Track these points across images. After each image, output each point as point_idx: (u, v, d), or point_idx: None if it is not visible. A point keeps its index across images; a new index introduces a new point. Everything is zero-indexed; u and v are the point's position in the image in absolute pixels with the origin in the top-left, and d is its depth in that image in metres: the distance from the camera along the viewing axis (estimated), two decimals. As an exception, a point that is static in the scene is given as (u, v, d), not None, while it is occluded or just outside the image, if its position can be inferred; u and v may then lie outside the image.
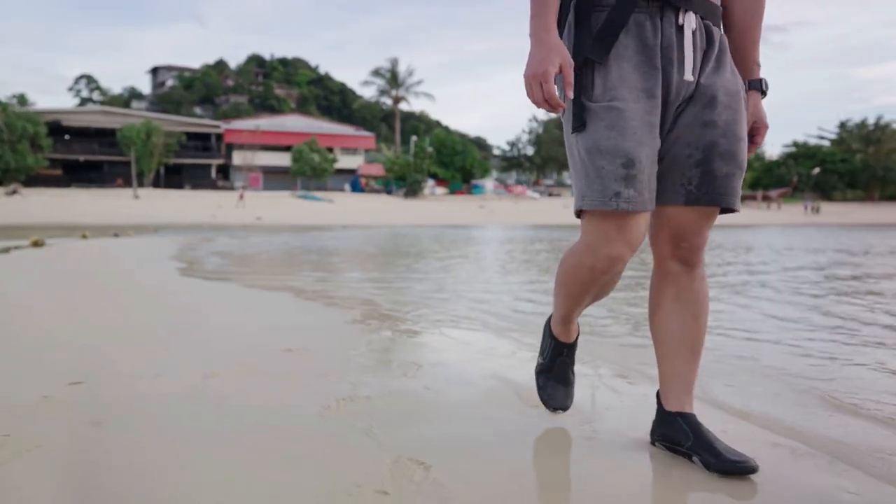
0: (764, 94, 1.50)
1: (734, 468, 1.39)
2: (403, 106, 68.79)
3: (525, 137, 73.09)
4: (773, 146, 73.38)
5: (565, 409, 1.75)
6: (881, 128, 56.92)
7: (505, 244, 12.63)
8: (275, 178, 54.67)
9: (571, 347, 1.76)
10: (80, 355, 2.53)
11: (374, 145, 64.54)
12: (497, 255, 9.56)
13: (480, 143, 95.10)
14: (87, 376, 2.16)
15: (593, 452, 1.59)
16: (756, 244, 12.64)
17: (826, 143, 63.25)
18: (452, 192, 55.15)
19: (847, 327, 3.55)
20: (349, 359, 2.51)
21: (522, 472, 1.48)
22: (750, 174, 66.94)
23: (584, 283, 1.51)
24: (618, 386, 2.21)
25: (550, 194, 55.83)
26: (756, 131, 1.50)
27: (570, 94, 1.32)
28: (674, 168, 1.42)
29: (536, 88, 1.31)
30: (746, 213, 38.28)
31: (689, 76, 1.36)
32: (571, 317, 1.68)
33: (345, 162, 59.42)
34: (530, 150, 72.36)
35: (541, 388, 1.76)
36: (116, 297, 4.32)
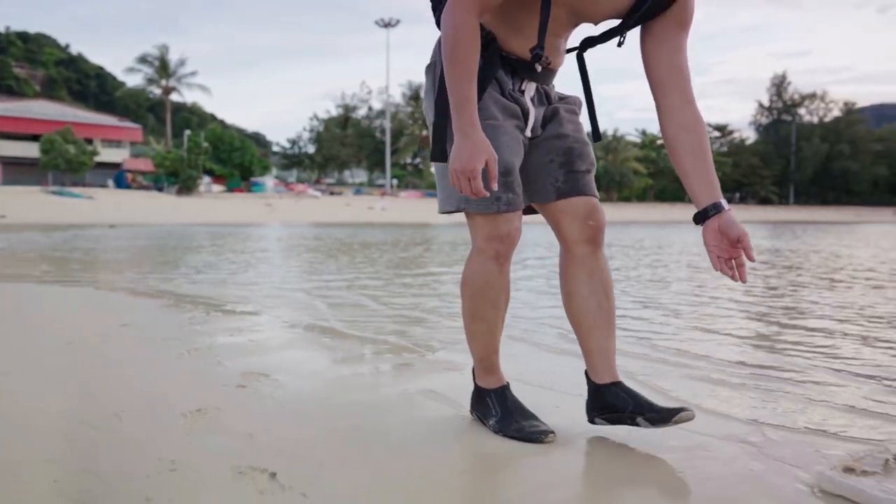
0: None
1: (678, 417, 1.55)
2: (175, 97, 64.41)
3: (306, 135, 72.75)
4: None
5: (550, 432, 1.67)
6: (617, 139, 66.17)
7: (297, 240, 13.13)
8: (19, 172, 48.06)
9: (507, 384, 1.78)
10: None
11: (142, 138, 59.69)
12: (290, 251, 10.11)
13: (259, 140, 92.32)
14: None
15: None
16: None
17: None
18: (230, 189, 53.14)
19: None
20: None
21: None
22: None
23: (490, 285, 1.65)
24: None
25: (332, 193, 56.36)
26: (742, 241, 1.44)
27: (494, 187, 1.47)
28: (542, 173, 1.67)
29: (464, 182, 1.46)
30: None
31: (533, 116, 1.65)
32: (493, 357, 1.76)
33: (107, 155, 54.10)
34: (311, 149, 72.18)
35: (519, 436, 1.66)
36: None
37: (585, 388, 1.75)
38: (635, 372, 2.37)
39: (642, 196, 67.95)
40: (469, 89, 1.47)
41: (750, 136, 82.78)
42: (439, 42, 1.62)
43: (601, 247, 1.70)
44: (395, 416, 1.89)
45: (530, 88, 1.64)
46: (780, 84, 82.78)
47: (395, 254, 9.24)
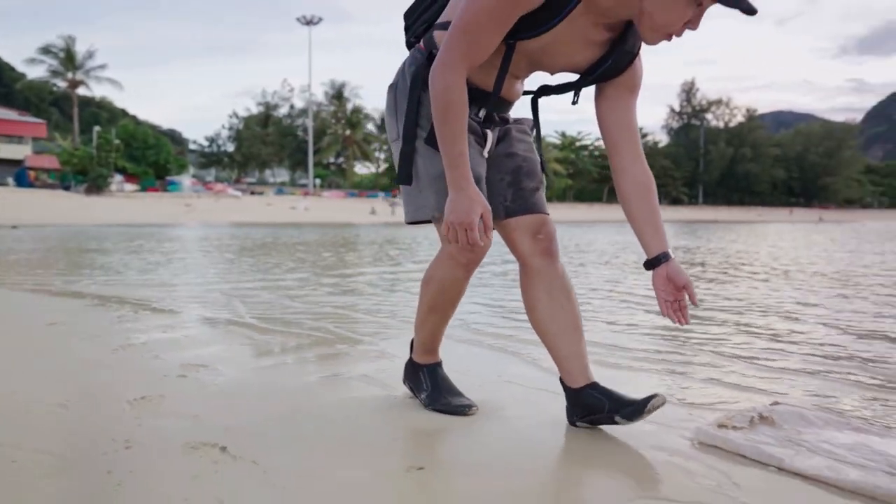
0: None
1: (650, 406, 1.60)
2: (83, 91, 61.24)
3: (225, 133, 70.80)
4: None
5: (474, 406, 1.87)
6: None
7: (219, 241, 12.89)
8: None
9: (440, 362, 1.97)
10: None
11: (46, 134, 56.45)
12: (211, 251, 9.96)
13: (175, 137, 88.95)
14: None
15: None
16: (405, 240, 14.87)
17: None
18: (144, 189, 51.07)
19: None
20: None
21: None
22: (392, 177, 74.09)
23: (457, 282, 1.77)
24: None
25: (253, 192, 55.12)
26: (688, 288, 1.58)
27: (490, 238, 1.61)
28: (493, 192, 1.75)
29: (461, 234, 1.56)
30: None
31: (490, 139, 1.75)
32: (437, 341, 1.94)
33: (7, 151, 50.96)
34: (231, 147, 70.28)
35: (446, 409, 1.85)
36: None
37: (500, 376, 1.96)
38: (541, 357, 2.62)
39: (562, 196, 69.96)
40: (462, 145, 1.54)
41: (662, 139, 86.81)
42: (404, 65, 1.75)
43: (556, 256, 1.75)
44: (328, 397, 2.05)
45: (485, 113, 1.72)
46: (689, 90, 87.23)
47: (317, 254, 9.29)
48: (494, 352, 2.82)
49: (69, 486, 1.35)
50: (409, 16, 1.83)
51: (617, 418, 1.66)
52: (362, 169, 77.35)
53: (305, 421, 1.81)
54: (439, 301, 1.84)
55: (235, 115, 70.93)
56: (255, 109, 71.46)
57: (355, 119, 70.84)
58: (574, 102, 1.66)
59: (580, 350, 1.75)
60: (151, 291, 4.71)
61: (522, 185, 1.76)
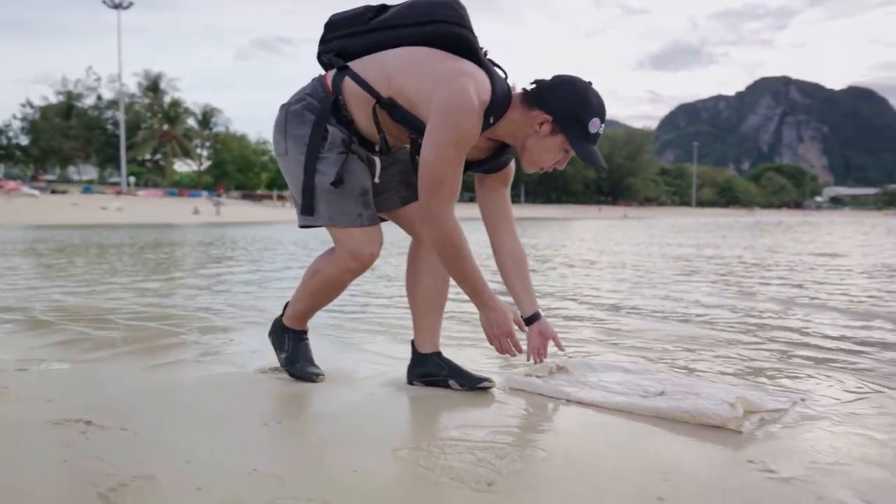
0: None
1: (480, 384, 2.00)
2: None
3: (17, 125, 62.94)
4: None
5: (322, 374, 2.13)
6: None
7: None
8: None
9: (306, 331, 2.20)
10: None
11: None
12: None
13: (-48, 128, 77.28)
14: None
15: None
16: (279, 239, 14.63)
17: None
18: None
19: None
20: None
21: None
22: (266, 175, 72.03)
23: (342, 283, 1.97)
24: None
25: (54, 191, 49.60)
26: (554, 338, 2.05)
27: (523, 327, 1.99)
28: (388, 191, 2.02)
29: (505, 342, 1.92)
30: (265, 211, 41.75)
31: (378, 165, 1.98)
32: (308, 316, 2.15)
33: None
34: (25, 140, 62.68)
35: (298, 373, 2.12)
36: None
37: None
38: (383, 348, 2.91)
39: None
40: (481, 276, 1.86)
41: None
42: (304, 92, 1.89)
43: None
44: (181, 375, 2.20)
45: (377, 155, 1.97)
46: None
47: (136, 256, 8.85)
48: (346, 332, 3.07)
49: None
50: (332, 28, 1.95)
51: (451, 383, 2.03)
52: (183, 166, 72.84)
53: (166, 395, 1.95)
54: (321, 292, 2.04)
55: (29, 103, 63.20)
56: (53, 98, 64.19)
57: (174, 113, 66.40)
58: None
59: (437, 325, 2.11)
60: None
61: (412, 180, 1.96)
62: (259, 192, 60.16)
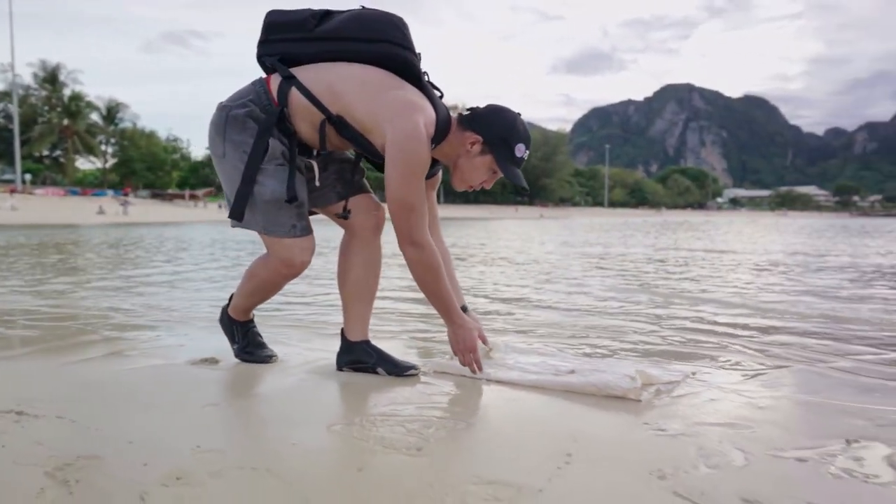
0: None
1: (407, 371, 2.11)
2: None
3: None
4: (199, 148, 77.74)
5: (275, 355, 2.30)
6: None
7: None
8: None
9: (252, 320, 2.32)
10: None
11: None
12: None
13: None
14: None
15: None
16: (190, 238, 14.18)
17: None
18: None
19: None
20: None
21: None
22: (178, 174, 69.32)
23: (277, 285, 2.10)
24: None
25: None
26: (479, 332, 2.22)
27: (488, 343, 2.21)
28: (325, 187, 2.10)
29: (468, 358, 2.06)
30: (176, 211, 40.20)
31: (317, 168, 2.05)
32: (251, 310, 2.27)
33: None
34: None
35: (252, 359, 2.26)
36: None
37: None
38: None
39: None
40: (453, 298, 2.02)
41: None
42: (245, 96, 1.91)
43: (380, 235, 2.14)
44: (114, 367, 2.22)
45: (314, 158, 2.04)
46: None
47: (34, 257, 8.45)
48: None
49: None
50: (274, 30, 1.96)
51: (379, 370, 2.13)
52: (86, 164, 68.89)
53: (98, 386, 1.97)
54: (258, 292, 2.16)
55: None
56: (-70, 88, 59.20)
57: (75, 107, 62.65)
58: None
59: (367, 315, 2.19)
60: None
61: (349, 177, 2.10)
62: (170, 191, 57.71)
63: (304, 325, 3.18)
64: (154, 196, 54.65)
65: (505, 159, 1.95)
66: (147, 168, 65.52)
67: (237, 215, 1.93)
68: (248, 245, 10.37)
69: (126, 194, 48.66)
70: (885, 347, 2.71)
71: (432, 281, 1.96)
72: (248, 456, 1.40)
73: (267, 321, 3.21)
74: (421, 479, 1.29)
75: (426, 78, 1.98)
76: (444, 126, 1.95)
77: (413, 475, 1.31)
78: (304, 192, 1.99)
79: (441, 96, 2.00)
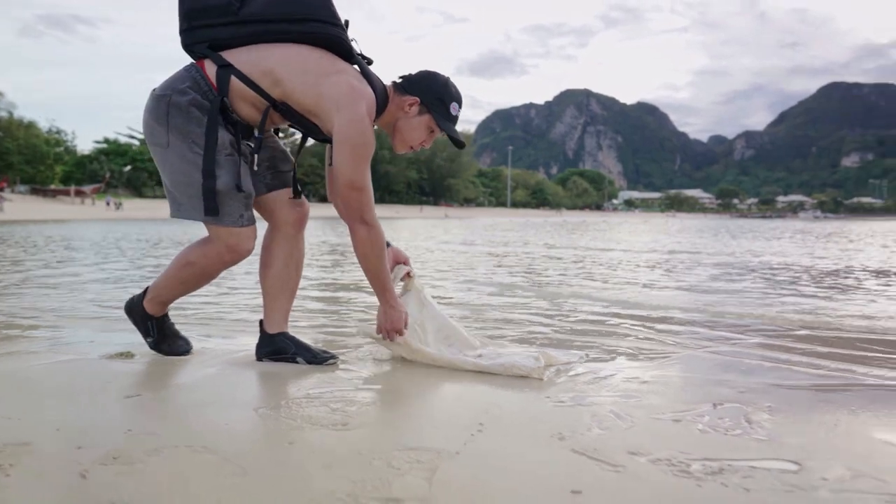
0: None
1: (324, 360, 2.18)
2: None
3: None
4: (86, 141, 72.77)
5: (191, 346, 2.34)
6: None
7: None
8: None
9: (167, 314, 2.31)
10: None
11: None
12: None
13: None
14: None
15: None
16: (75, 237, 13.40)
17: (136, 142, 67.04)
18: None
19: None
20: None
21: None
22: (62, 168, 64.73)
23: (214, 272, 2.11)
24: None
25: None
26: (405, 262, 2.39)
27: (406, 333, 2.17)
28: (258, 176, 2.12)
29: (393, 336, 2.17)
30: (59, 208, 37.59)
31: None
32: (171, 302, 2.25)
33: None
34: None
35: (168, 351, 2.28)
36: None
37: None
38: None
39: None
40: (390, 278, 2.15)
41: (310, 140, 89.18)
42: (182, 84, 1.91)
43: (303, 231, 2.21)
44: (24, 364, 2.18)
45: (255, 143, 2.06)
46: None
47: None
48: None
49: None
50: (196, 16, 1.94)
51: (298, 359, 2.20)
52: (-47, 156, 62.94)
53: (15, 381, 1.96)
54: (191, 281, 2.15)
55: None
56: None
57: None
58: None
59: (287, 308, 2.25)
60: None
61: (279, 168, 2.17)
62: (53, 187, 53.73)
63: (212, 322, 3.20)
64: (34, 192, 50.73)
65: (442, 117, 2.10)
66: (26, 161, 60.77)
67: (213, 211, 1.95)
68: (142, 244, 9.94)
69: (1, 189, 44.94)
70: (751, 333, 3.08)
71: (375, 259, 2.06)
72: (181, 436, 1.48)
73: (178, 320, 3.20)
74: (350, 448, 1.42)
75: (357, 49, 2.05)
76: (382, 100, 2.05)
77: (342, 445, 1.44)
78: (250, 182, 2.04)
79: (370, 63, 2.08)
